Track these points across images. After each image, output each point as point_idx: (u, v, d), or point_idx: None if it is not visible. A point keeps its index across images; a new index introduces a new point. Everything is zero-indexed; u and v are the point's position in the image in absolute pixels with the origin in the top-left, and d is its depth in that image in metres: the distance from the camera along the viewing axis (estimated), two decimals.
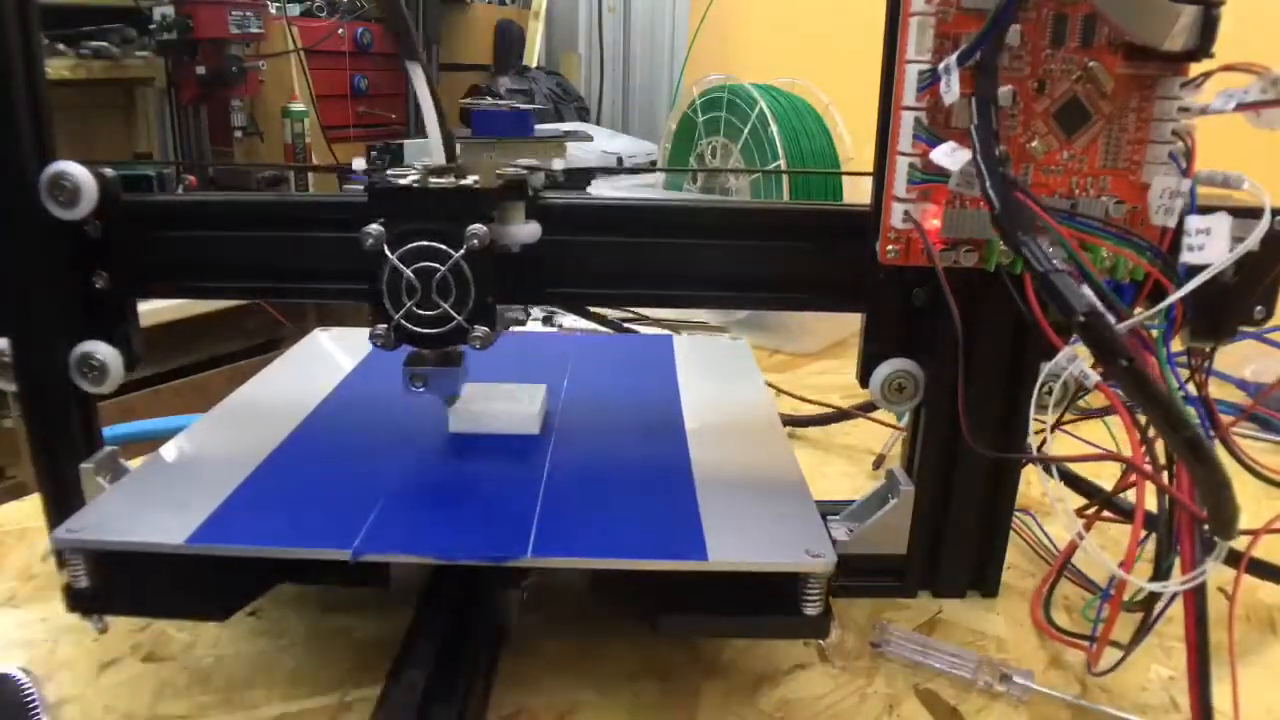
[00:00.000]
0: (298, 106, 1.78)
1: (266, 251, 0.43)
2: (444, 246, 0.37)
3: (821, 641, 0.37)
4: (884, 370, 0.42)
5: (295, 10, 1.92)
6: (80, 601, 0.35)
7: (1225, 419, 0.38)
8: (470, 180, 0.38)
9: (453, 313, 0.38)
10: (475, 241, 0.37)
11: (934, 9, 0.34)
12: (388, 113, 2.07)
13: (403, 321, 0.38)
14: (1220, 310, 0.38)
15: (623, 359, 0.61)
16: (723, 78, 0.96)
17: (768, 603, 0.35)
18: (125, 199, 0.41)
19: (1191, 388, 0.37)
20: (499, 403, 0.46)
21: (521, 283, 0.42)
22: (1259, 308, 0.38)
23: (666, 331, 0.88)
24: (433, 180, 0.38)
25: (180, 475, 0.41)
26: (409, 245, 0.37)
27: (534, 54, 2.30)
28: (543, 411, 0.47)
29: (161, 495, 0.38)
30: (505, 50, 2.28)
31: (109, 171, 0.40)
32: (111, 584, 0.35)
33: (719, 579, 0.34)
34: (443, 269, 0.37)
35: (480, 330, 0.38)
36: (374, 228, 0.37)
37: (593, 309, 0.86)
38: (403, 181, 0.38)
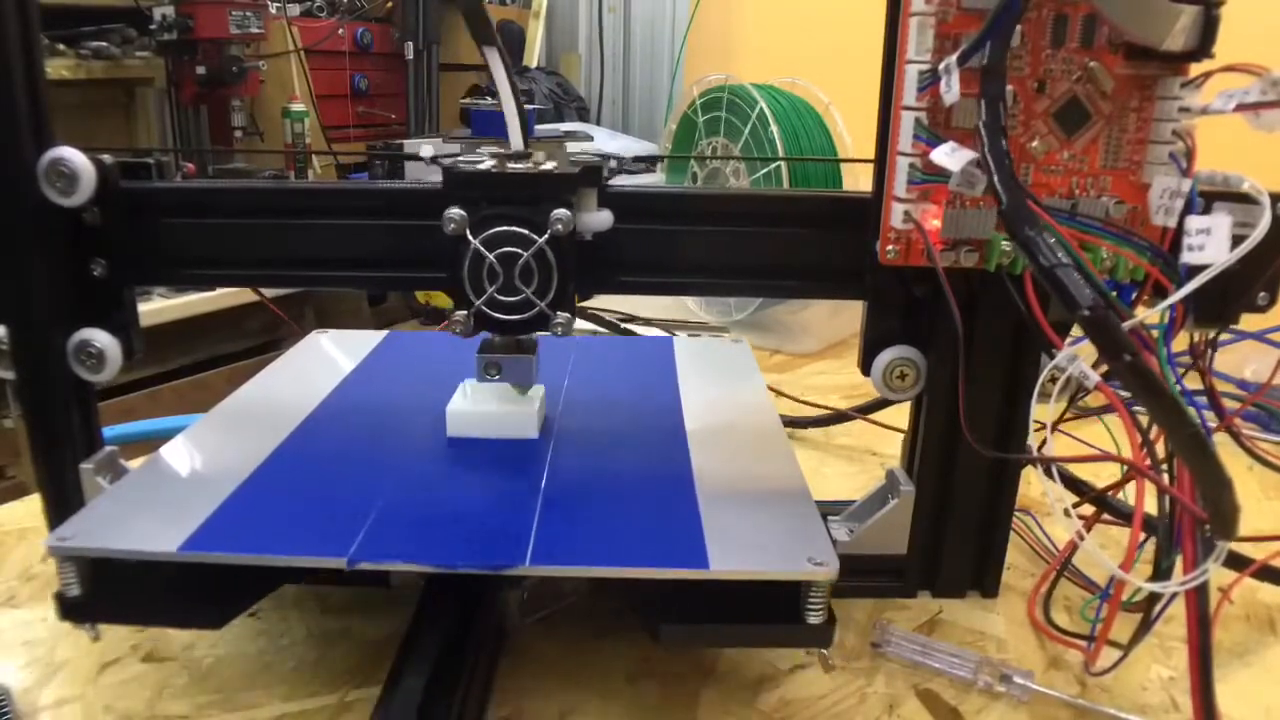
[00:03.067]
0: (298, 106, 1.79)
1: (266, 239, 0.43)
2: (527, 232, 0.37)
3: (824, 650, 0.37)
4: (886, 357, 0.42)
5: (295, 10, 1.92)
6: (72, 610, 0.34)
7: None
8: (549, 165, 0.38)
9: (535, 299, 0.38)
10: (559, 226, 0.36)
11: (934, 9, 0.34)
12: (387, 112, 2.07)
13: (483, 308, 0.38)
14: (1224, 297, 0.37)
15: (623, 361, 0.60)
16: (723, 78, 0.95)
17: (770, 611, 0.35)
18: (123, 186, 0.41)
19: (1192, 383, 0.37)
20: (497, 406, 0.46)
21: (586, 271, 0.40)
22: (1263, 294, 0.38)
23: (665, 333, 0.88)
24: (510, 165, 0.37)
25: (175, 480, 0.41)
26: (491, 230, 0.37)
27: (534, 54, 2.30)
28: (541, 414, 0.46)
29: (156, 501, 0.38)
30: (505, 50, 2.29)
31: (107, 158, 0.40)
32: (104, 592, 0.35)
33: (720, 587, 0.34)
34: (525, 254, 0.37)
35: (562, 317, 0.38)
36: (455, 212, 0.36)
37: (590, 309, 0.86)
38: (481, 166, 0.37)
